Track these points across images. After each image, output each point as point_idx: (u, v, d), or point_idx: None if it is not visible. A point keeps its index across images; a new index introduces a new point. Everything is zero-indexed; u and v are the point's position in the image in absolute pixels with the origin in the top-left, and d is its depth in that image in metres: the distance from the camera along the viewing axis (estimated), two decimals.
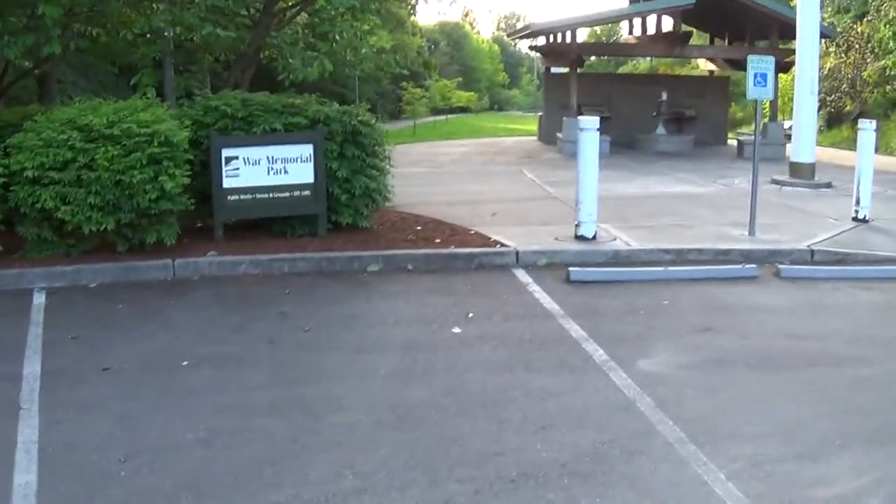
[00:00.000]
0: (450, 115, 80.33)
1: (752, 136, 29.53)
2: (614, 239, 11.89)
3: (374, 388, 6.85)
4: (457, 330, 8.28)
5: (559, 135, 26.41)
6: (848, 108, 39.35)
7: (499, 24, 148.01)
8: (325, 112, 11.71)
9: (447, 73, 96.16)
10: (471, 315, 8.75)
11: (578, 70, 27.99)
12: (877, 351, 8.03)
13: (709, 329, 8.49)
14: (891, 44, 24.61)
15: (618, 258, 11.18)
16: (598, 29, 75.51)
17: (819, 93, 42.22)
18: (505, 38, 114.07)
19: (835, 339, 8.36)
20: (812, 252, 11.65)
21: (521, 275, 10.48)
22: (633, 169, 22.11)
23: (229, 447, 5.73)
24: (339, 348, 7.78)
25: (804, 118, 19.56)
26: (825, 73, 40.69)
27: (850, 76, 39.41)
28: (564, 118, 25.99)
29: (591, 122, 11.74)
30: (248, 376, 7.06)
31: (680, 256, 11.28)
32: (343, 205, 11.73)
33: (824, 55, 39.65)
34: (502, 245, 11.32)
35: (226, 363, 7.35)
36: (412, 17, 68.69)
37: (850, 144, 36.50)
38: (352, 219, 11.81)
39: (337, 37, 15.32)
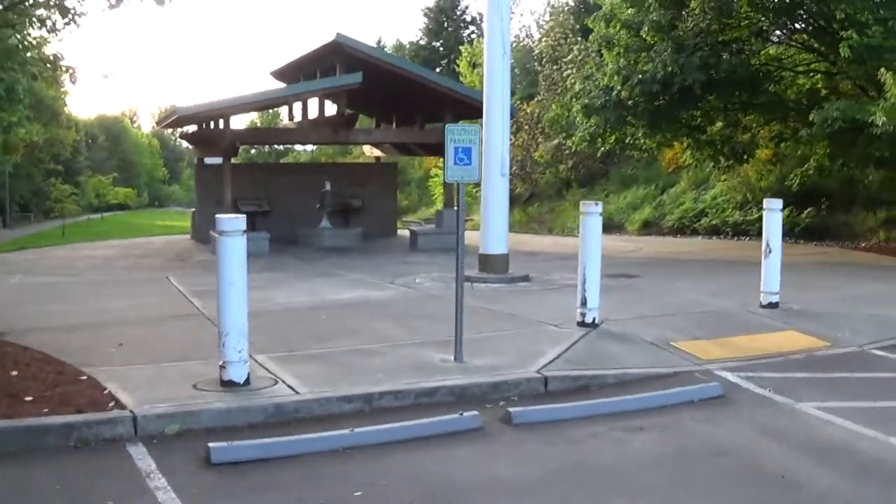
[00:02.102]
0: (106, 213, 76.06)
1: (426, 227, 27.17)
2: (275, 382, 8.24)
3: None
4: None
5: (213, 233, 22.59)
6: (518, 190, 37.97)
7: (158, 117, 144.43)
8: None
9: (105, 168, 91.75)
10: None
11: (233, 160, 24.54)
12: None
13: None
14: (578, 118, 22.71)
15: (282, 415, 7.53)
16: (257, 120, 72.89)
17: None
18: (165, 132, 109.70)
19: None
20: (545, 380, 8.52)
21: (141, 456, 6.67)
22: (298, 270, 18.65)
23: None
24: None
25: (495, 203, 16.46)
26: None
27: (520, 158, 38.10)
28: (217, 215, 22.24)
29: (234, 222, 8.32)
30: None
31: (369, 404, 7.81)
32: None
33: None
34: (117, 403, 7.51)
35: None
36: (67, 110, 64.39)
37: (524, 228, 35.22)
38: None
39: None
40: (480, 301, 13.19)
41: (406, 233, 27.32)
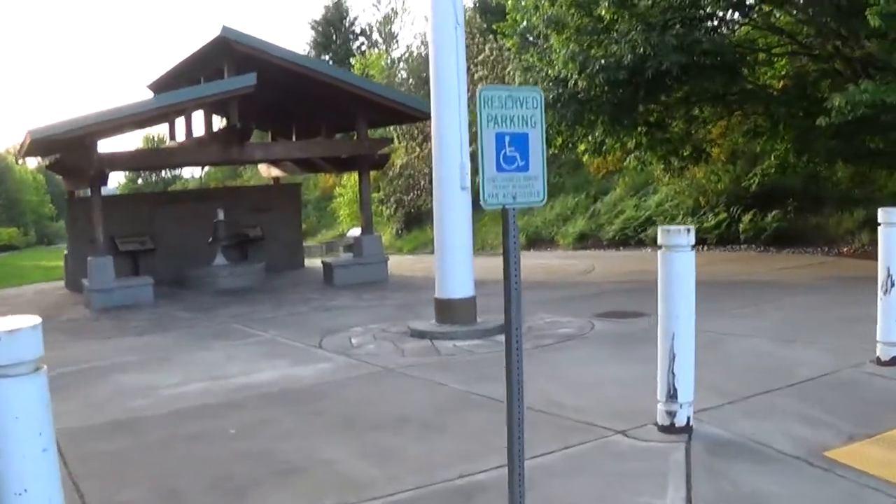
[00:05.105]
0: None
1: (343, 257, 22.43)
2: None
3: None
4: None
5: (85, 281, 17.60)
6: (428, 204, 33.58)
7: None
8: None
9: None
10: None
11: (119, 192, 19.58)
12: None
13: None
14: None
15: None
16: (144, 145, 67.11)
17: (394, 193, 36.73)
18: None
19: None
20: None
21: None
22: (190, 328, 13.68)
23: None
24: None
25: (454, 226, 11.64)
26: (397, 170, 34.98)
27: (426, 171, 33.70)
28: (90, 258, 17.31)
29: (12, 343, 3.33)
30: None
31: None
32: None
33: (395, 150, 33.81)
34: None
35: None
36: None
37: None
38: None
39: None
40: (460, 379, 8.49)
41: (317, 264, 22.52)
